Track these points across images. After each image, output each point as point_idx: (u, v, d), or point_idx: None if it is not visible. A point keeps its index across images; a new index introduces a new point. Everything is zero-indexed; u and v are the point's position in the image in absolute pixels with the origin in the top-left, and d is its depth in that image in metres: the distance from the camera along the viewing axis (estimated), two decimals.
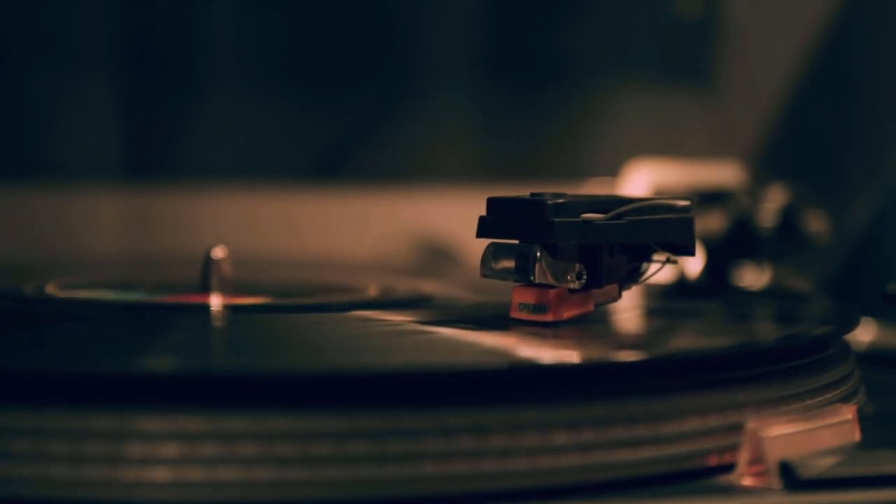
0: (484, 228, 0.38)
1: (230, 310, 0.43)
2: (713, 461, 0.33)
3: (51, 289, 0.47)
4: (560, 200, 0.37)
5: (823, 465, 0.32)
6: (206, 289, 0.45)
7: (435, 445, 0.30)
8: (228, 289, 0.45)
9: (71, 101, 0.73)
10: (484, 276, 0.38)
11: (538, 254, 0.37)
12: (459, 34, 0.77)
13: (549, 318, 0.37)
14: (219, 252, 0.45)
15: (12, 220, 0.72)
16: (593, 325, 0.39)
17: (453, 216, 0.69)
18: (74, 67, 0.73)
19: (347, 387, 0.31)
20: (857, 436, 0.34)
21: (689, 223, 0.39)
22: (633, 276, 0.39)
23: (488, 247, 0.38)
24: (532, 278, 0.37)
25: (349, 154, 0.77)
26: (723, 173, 0.63)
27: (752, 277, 0.59)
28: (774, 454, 0.32)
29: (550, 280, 0.37)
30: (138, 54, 0.74)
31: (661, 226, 0.38)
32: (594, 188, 0.69)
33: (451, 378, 0.31)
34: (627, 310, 0.43)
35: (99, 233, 0.73)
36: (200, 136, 0.75)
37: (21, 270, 0.57)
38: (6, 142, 0.74)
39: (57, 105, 0.73)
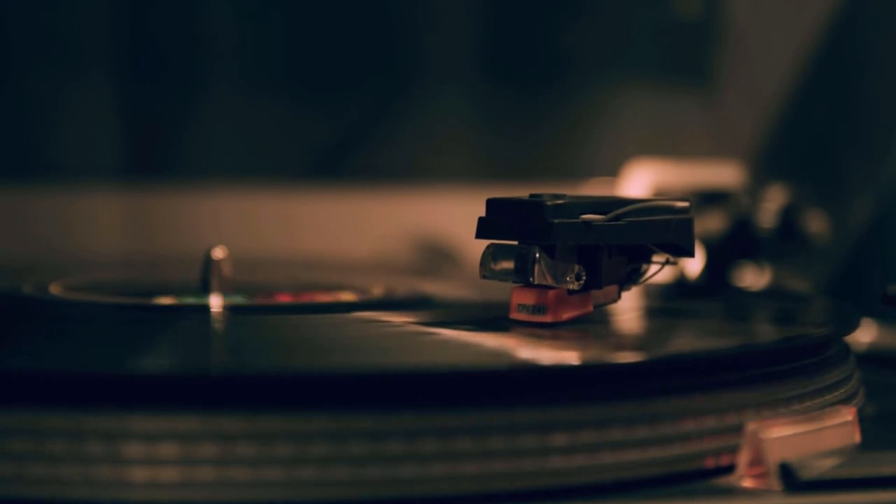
0: (483, 229, 0.38)
1: (230, 310, 0.43)
2: (713, 463, 0.33)
3: (51, 289, 0.47)
4: (559, 202, 0.37)
5: (824, 467, 0.32)
6: (206, 289, 0.45)
7: (434, 446, 0.30)
8: (228, 289, 0.45)
9: (71, 101, 0.73)
10: (483, 277, 0.38)
11: (537, 255, 0.37)
12: (459, 34, 0.77)
13: (548, 319, 0.37)
14: (219, 252, 0.45)
15: (12, 220, 0.72)
16: (593, 326, 0.38)
17: (453, 216, 0.69)
18: (74, 67, 0.73)
19: (347, 388, 0.31)
20: (857, 437, 0.34)
21: (688, 224, 0.39)
22: (632, 277, 0.39)
23: (487, 248, 0.38)
24: (531, 279, 0.37)
25: (349, 154, 0.77)
26: (723, 173, 0.63)
27: (752, 278, 0.59)
28: (775, 456, 0.32)
29: (549, 281, 0.37)
30: (138, 54, 0.74)
31: (660, 227, 0.38)
32: (594, 188, 0.69)
33: (450, 379, 0.31)
34: (627, 311, 0.43)
35: (99, 233, 0.73)
36: (200, 136, 0.75)
37: (21, 270, 0.57)
38: (6, 142, 0.74)
39: (57, 105, 0.73)
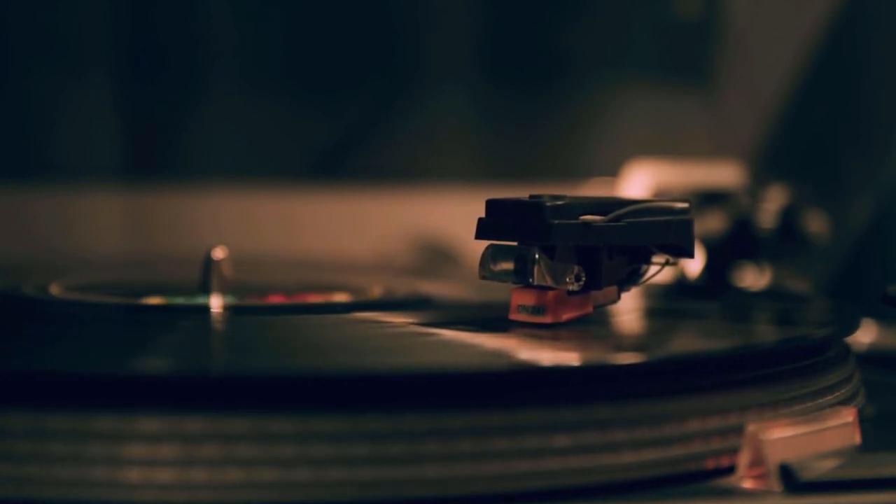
0: (482, 230, 0.38)
1: (230, 311, 0.43)
2: (713, 464, 0.33)
3: (51, 289, 0.47)
4: (558, 202, 0.37)
5: (824, 468, 0.32)
6: (206, 289, 0.45)
7: (434, 448, 0.30)
8: (228, 289, 0.45)
9: (71, 101, 0.73)
10: (483, 277, 0.38)
11: (537, 256, 0.37)
12: (459, 34, 0.77)
13: (547, 319, 0.37)
14: (219, 252, 0.45)
15: (12, 220, 0.72)
16: (592, 326, 0.38)
17: (453, 216, 0.68)
18: (74, 67, 0.73)
19: (346, 389, 0.31)
20: (857, 438, 0.34)
21: (687, 225, 0.39)
22: (632, 277, 0.39)
23: (487, 248, 0.38)
24: (531, 280, 0.37)
25: (349, 154, 0.77)
26: (723, 173, 0.63)
27: (752, 278, 0.59)
28: (775, 456, 0.32)
29: (549, 282, 0.37)
30: (138, 54, 0.74)
31: (660, 228, 0.38)
32: (594, 188, 0.69)
33: (450, 380, 0.31)
34: (627, 311, 0.43)
35: (99, 233, 0.73)
36: (200, 136, 0.75)
37: (21, 270, 0.57)
38: (6, 142, 0.74)
39: (57, 105, 0.73)
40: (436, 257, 0.72)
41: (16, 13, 0.73)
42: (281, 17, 0.76)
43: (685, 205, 0.39)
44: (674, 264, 0.40)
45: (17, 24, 0.73)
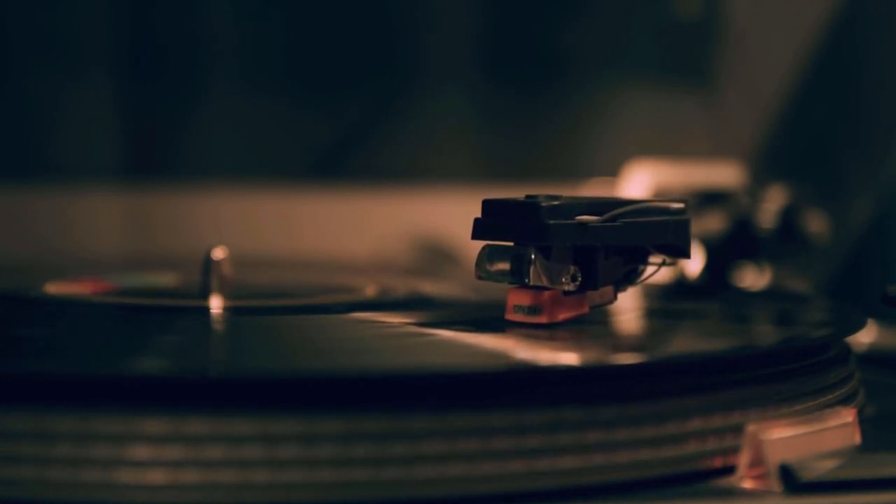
0: (479, 230, 0.38)
1: (230, 311, 0.43)
2: (713, 464, 0.33)
3: (51, 289, 0.47)
4: (555, 203, 0.37)
5: (824, 468, 0.32)
6: (206, 290, 0.45)
7: (432, 448, 0.30)
8: (228, 290, 0.45)
9: (71, 101, 0.73)
10: (479, 278, 0.38)
11: (533, 256, 0.37)
12: (459, 34, 0.77)
13: (543, 320, 0.37)
14: (219, 253, 0.45)
15: (12, 220, 0.72)
16: (590, 326, 0.38)
17: (453, 216, 0.68)
18: (74, 67, 0.73)
19: (344, 389, 0.30)
20: (857, 438, 0.34)
21: (684, 225, 0.39)
22: (628, 277, 0.39)
23: (483, 248, 0.38)
24: (527, 280, 0.37)
25: (349, 154, 0.77)
26: (723, 173, 0.63)
27: (752, 278, 0.59)
28: (775, 457, 0.32)
29: (545, 282, 0.37)
30: (138, 54, 0.74)
31: (657, 228, 0.38)
32: (594, 188, 0.69)
33: (445, 381, 0.31)
34: (626, 311, 0.43)
35: (99, 233, 0.73)
36: (200, 136, 0.75)
37: (21, 270, 0.57)
38: (6, 142, 0.74)
39: (57, 105, 0.73)
40: (435, 257, 0.72)
41: (16, 13, 0.73)
42: (281, 17, 0.76)
43: (681, 205, 0.39)
44: (671, 265, 0.40)
45: (17, 24, 0.73)
